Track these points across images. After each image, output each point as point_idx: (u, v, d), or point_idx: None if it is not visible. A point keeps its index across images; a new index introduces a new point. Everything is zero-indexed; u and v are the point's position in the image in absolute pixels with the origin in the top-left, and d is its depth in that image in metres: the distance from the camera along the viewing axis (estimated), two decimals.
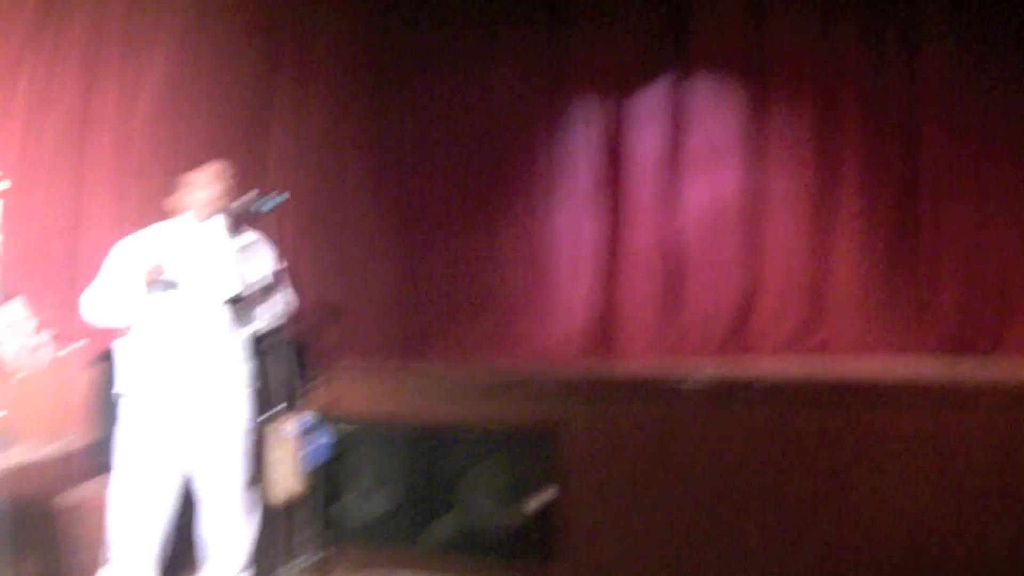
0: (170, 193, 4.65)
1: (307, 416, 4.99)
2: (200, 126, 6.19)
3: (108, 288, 4.51)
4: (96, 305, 4.54)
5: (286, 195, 4.54)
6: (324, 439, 5.05)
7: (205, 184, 4.58)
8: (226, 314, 4.57)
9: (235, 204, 4.56)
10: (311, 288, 6.16)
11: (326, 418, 5.21)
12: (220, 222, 4.56)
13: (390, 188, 7.65)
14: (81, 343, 6.60)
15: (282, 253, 4.70)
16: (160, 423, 4.47)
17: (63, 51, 6.68)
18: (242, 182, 4.65)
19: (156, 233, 4.64)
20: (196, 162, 4.74)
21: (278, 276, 4.65)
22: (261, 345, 4.68)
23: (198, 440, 4.52)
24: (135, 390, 4.51)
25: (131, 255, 4.54)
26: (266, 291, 4.59)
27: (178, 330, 4.51)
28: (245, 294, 4.52)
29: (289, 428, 4.69)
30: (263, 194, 4.57)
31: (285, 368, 4.45)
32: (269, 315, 4.64)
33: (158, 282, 4.42)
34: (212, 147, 5.99)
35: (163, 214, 4.65)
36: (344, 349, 5.91)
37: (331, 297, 5.96)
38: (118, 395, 4.55)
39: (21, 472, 4.71)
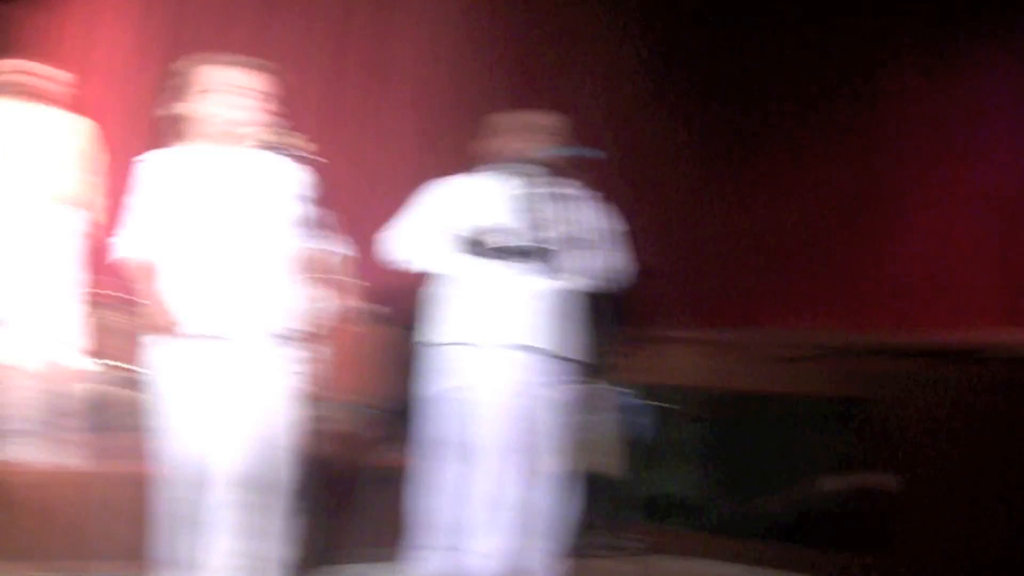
0: (478, 138, 4.45)
1: (622, 389, 4.81)
2: (503, 75, 6.06)
3: (418, 231, 4.37)
4: (404, 245, 4.41)
5: (600, 152, 4.30)
6: (641, 413, 4.85)
7: (515, 130, 4.37)
8: (537, 267, 4.29)
9: (544, 152, 4.29)
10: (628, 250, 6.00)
11: (642, 391, 5.02)
12: (531, 171, 4.28)
13: (718, 140, 6.97)
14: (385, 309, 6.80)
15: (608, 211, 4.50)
16: (475, 384, 4.29)
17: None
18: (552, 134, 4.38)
19: (470, 183, 4.42)
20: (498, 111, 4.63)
21: (601, 234, 4.39)
22: (577, 309, 4.46)
23: (524, 407, 4.35)
24: (450, 345, 4.35)
25: (446, 202, 4.38)
26: (581, 247, 4.28)
27: (494, 284, 4.30)
28: (554, 247, 4.22)
29: (606, 400, 4.50)
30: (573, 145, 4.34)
31: (601, 336, 4.23)
32: (585, 274, 4.33)
33: (488, 247, 4.25)
34: (515, 97, 5.90)
35: (466, 163, 4.48)
36: (662, 317, 5.70)
37: (647, 260, 5.73)
38: (427, 346, 4.42)
39: (327, 436, 4.74)
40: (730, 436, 5.22)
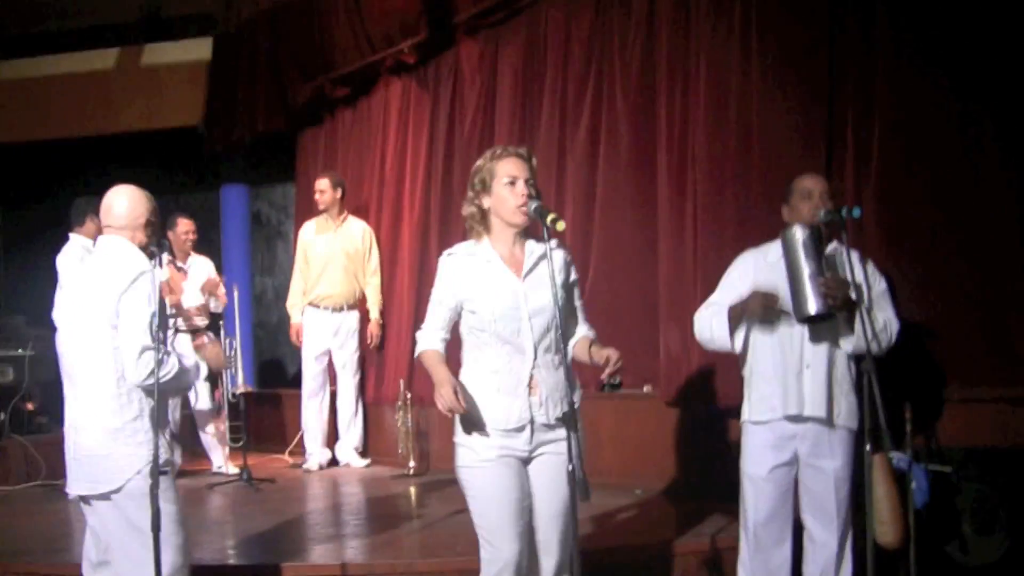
0: (786, 201, 4.51)
1: (901, 453, 4.65)
2: (785, 135, 6.05)
3: (722, 306, 4.47)
4: (707, 324, 4.51)
5: (858, 210, 4.26)
6: (920, 479, 4.66)
7: (808, 193, 4.40)
8: (816, 335, 4.33)
9: (822, 214, 4.29)
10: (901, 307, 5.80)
11: (922, 455, 4.83)
12: (807, 233, 4.25)
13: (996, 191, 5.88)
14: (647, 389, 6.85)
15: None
16: (772, 462, 4.38)
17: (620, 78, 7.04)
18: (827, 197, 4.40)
19: (760, 254, 4.53)
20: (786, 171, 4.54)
21: (872, 295, 4.34)
22: (855, 373, 4.39)
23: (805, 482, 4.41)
24: (758, 423, 4.43)
25: (747, 271, 4.49)
26: (854, 310, 4.22)
27: (782, 353, 4.37)
28: (826, 313, 4.19)
29: (889, 464, 4.36)
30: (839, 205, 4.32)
31: (876, 397, 4.11)
32: (859, 337, 4.21)
33: (770, 310, 4.30)
34: (793, 158, 5.88)
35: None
36: (937, 377, 5.48)
37: (919, 318, 5.54)
38: (747, 424, 4.49)
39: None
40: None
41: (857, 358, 4.33)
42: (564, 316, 3.71)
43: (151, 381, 3.75)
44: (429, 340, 3.79)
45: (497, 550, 3.65)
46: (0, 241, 11.35)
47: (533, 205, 3.67)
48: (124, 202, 4.08)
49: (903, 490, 4.45)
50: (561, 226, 3.53)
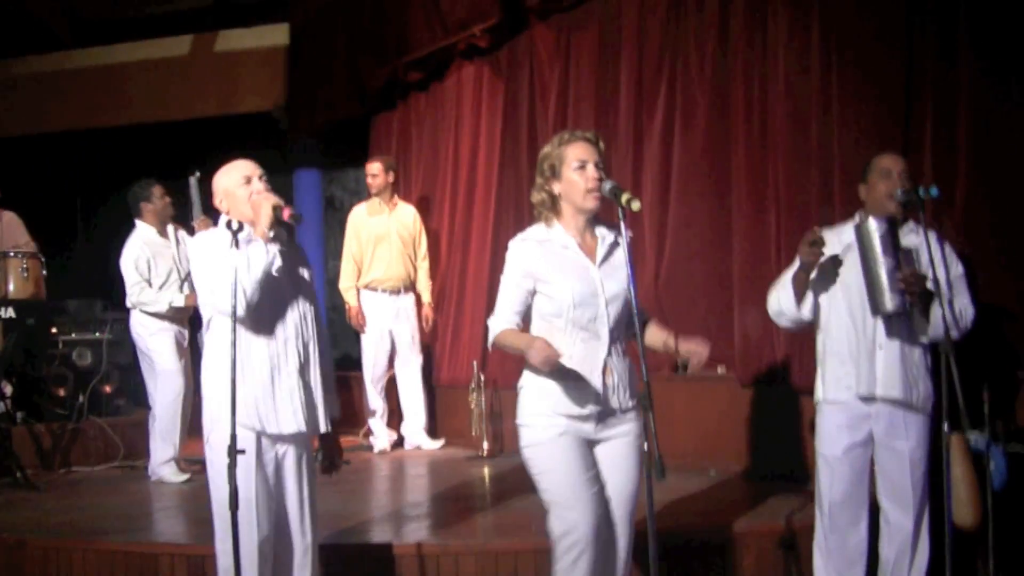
0: (863, 180, 4.48)
1: (979, 434, 4.58)
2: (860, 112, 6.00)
3: (786, 281, 4.44)
4: (775, 297, 4.50)
5: (936, 189, 4.20)
6: (998, 460, 4.58)
7: (887, 172, 4.36)
8: (894, 321, 4.30)
9: (900, 194, 4.28)
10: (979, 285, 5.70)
11: (1001, 436, 4.75)
12: (884, 227, 4.20)
13: None
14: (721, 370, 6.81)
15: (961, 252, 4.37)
16: (847, 442, 4.37)
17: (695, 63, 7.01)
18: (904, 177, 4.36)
19: (838, 233, 4.49)
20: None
21: (949, 281, 4.30)
22: (931, 356, 4.37)
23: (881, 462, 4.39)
24: (832, 402, 4.43)
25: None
26: (929, 296, 4.20)
27: (855, 332, 4.36)
28: (903, 309, 4.18)
29: (967, 444, 4.30)
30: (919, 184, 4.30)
31: (955, 378, 4.06)
32: (936, 326, 4.23)
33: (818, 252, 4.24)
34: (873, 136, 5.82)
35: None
36: (1016, 358, 5.38)
37: (1002, 297, 5.44)
38: (822, 404, 4.49)
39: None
40: None
41: (938, 341, 4.27)
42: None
43: None
44: (503, 323, 3.79)
45: (571, 521, 3.66)
46: (80, 226, 11.59)
47: (608, 186, 3.66)
48: None
49: (981, 471, 4.39)
50: (636, 206, 3.52)
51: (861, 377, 4.33)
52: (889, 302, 4.15)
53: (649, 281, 7.08)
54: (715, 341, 4.75)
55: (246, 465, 3.76)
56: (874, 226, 4.21)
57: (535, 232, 3.84)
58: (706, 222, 6.98)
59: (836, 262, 4.35)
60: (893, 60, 5.94)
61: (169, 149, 10.16)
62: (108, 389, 8.24)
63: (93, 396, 8.07)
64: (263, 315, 3.85)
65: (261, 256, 3.77)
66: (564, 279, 3.72)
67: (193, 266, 4.04)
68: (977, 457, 4.37)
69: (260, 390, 3.86)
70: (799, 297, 4.38)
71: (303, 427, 3.92)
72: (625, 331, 3.77)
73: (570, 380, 3.69)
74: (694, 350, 3.68)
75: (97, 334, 8.35)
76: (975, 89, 5.70)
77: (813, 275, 4.34)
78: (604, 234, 3.81)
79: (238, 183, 3.98)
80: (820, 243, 4.19)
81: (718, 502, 5.84)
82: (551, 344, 3.56)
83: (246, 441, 3.76)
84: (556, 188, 3.78)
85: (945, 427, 4.11)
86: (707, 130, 6.95)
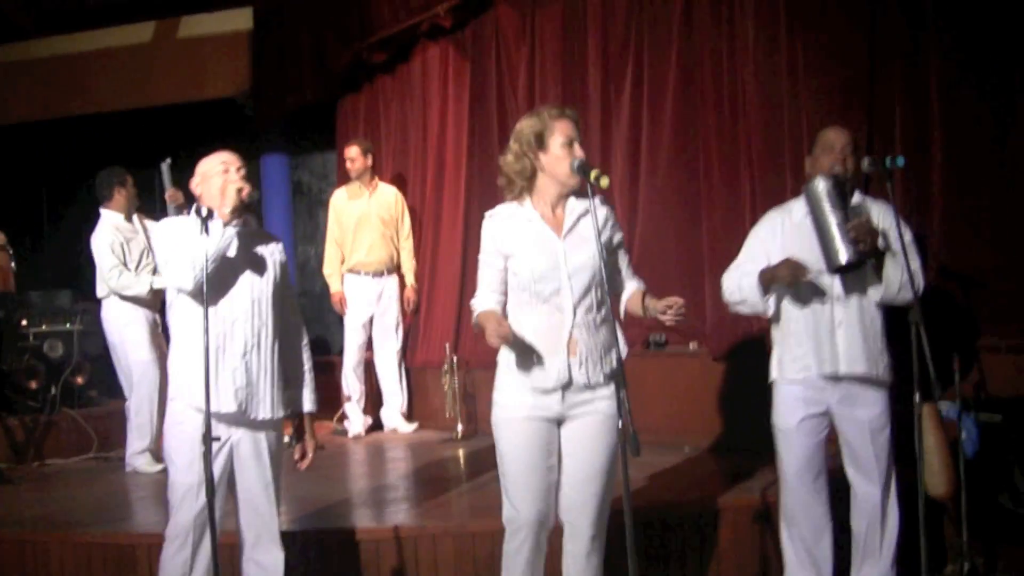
0: (811, 154, 4.50)
1: (950, 403, 4.62)
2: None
3: (747, 269, 4.46)
4: (736, 286, 4.50)
5: (902, 159, 4.23)
6: (969, 429, 4.63)
7: (831, 146, 4.39)
8: (864, 288, 4.34)
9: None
10: (947, 255, 5.74)
11: (972, 405, 4.80)
12: (830, 184, 4.25)
13: None
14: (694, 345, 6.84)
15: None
16: (802, 413, 4.40)
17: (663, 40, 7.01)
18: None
19: (787, 211, 4.54)
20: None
21: (901, 243, 4.33)
22: (889, 324, 4.41)
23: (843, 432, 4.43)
24: (788, 380, 4.46)
25: (775, 230, 4.51)
26: (883, 258, 4.25)
27: (813, 313, 4.38)
28: (857, 260, 4.18)
29: (938, 414, 4.34)
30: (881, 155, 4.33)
31: (924, 348, 4.08)
32: (890, 286, 4.28)
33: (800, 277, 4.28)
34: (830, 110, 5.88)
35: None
36: (984, 327, 5.43)
37: (970, 265, 5.49)
38: (778, 381, 4.53)
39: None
40: None
41: (900, 310, 4.29)
42: (608, 274, 3.71)
43: None
44: (484, 303, 3.83)
45: (517, 510, 3.73)
46: (46, 217, 11.48)
47: (576, 163, 3.67)
48: None
49: (953, 441, 4.43)
50: (605, 182, 3.54)
51: (823, 356, 4.35)
52: (843, 254, 4.17)
53: None
54: (686, 317, 4.77)
55: (191, 442, 3.83)
56: (821, 184, 4.25)
57: (504, 208, 3.86)
58: (676, 199, 7.01)
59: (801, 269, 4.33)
60: (856, 35, 5.99)
61: (135, 138, 10.07)
62: (80, 380, 8.17)
63: (65, 388, 8.00)
64: (212, 295, 3.88)
65: (216, 235, 3.86)
66: (525, 252, 3.74)
67: (156, 246, 4.19)
68: (949, 426, 4.42)
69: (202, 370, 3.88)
70: (765, 294, 4.42)
71: (240, 408, 3.96)
72: (599, 303, 3.77)
73: (535, 354, 3.71)
74: (665, 303, 3.66)
75: (68, 325, 8.28)
76: (943, 61, 5.75)
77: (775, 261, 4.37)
78: (574, 206, 3.81)
79: (216, 170, 4.07)
80: (803, 273, 4.23)
81: (693, 477, 5.88)
82: (501, 321, 3.62)
83: (193, 420, 3.85)
84: (541, 159, 3.78)
85: (916, 397, 4.13)
86: (675, 106, 6.98)
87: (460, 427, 7.69)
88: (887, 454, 4.38)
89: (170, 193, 6.97)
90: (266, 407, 4.05)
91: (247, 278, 4.03)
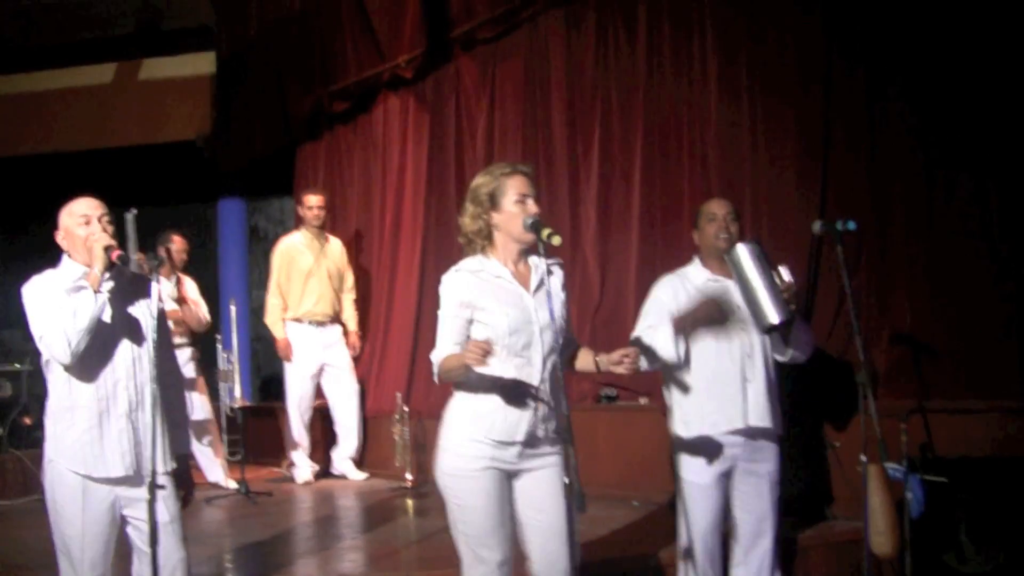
0: (695, 226, 4.63)
1: (894, 464, 4.67)
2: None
3: (647, 333, 4.51)
4: (648, 341, 4.49)
5: (853, 223, 4.32)
6: (915, 489, 4.68)
7: (713, 216, 4.54)
8: (766, 346, 4.47)
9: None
10: (887, 319, 5.85)
11: (918, 465, 4.85)
12: (756, 248, 4.36)
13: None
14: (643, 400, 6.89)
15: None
16: (717, 470, 4.45)
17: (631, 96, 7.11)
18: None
19: (685, 274, 4.64)
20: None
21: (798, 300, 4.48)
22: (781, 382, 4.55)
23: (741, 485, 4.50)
24: (699, 437, 4.49)
25: (677, 292, 4.57)
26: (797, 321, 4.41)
27: (724, 366, 4.46)
28: (788, 320, 4.29)
29: (884, 474, 4.39)
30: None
31: (872, 407, 4.13)
32: (796, 343, 4.45)
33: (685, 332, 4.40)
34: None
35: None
36: (931, 389, 5.51)
37: (919, 327, 5.59)
38: (685, 435, 4.55)
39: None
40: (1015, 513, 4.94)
41: (845, 370, 4.37)
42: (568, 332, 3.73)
43: None
44: (444, 355, 3.75)
45: (482, 560, 3.70)
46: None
47: (529, 221, 3.69)
48: None
49: (899, 500, 4.48)
50: (557, 240, 3.56)
51: (732, 412, 4.43)
52: (775, 314, 4.26)
53: (591, 312, 7.15)
54: (639, 372, 4.82)
55: (73, 506, 3.76)
56: (746, 248, 4.34)
57: (469, 263, 3.84)
58: (646, 253, 7.10)
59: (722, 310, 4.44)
60: (813, 100, 6.15)
61: (93, 178, 9.98)
62: (28, 421, 8.07)
63: (13, 428, 7.91)
64: (91, 360, 3.74)
65: (89, 305, 3.69)
66: (499, 306, 3.73)
67: (28, 313, 3.91)
68: (895, 487, 4.46)
69: (87, 435, 3.76)
70: (675, 343, 4.45)
71: (130, 471, 3.79)
72: (558, 360, 3.78)
73: (502, 405, 3.70)
74: (620, 354, 3.69)
75: (17, 365, 8.20)
76: (896, 124, 5.90)
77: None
78: (537, 263, 3.82)
79: (77, 223, 3.87)
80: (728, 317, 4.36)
81: (642, 531, 5.88)
82: (473, 342, 3.55)
83: (73, 483, 3.75)
84: (495, 218, 3.80)
85: (862, 457, 4.18)
86: (643, 162, 7.10)
87: (409, 476, 7.64)
88: (779, 506, 4.50)
89: (138, 257, 6.94)
90: (161, 460, 3.84)
91: (126, 336, 3.85)
